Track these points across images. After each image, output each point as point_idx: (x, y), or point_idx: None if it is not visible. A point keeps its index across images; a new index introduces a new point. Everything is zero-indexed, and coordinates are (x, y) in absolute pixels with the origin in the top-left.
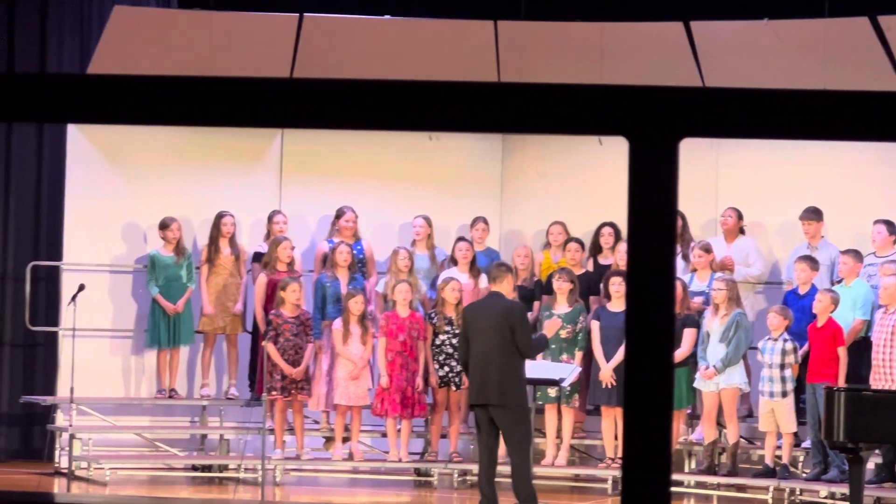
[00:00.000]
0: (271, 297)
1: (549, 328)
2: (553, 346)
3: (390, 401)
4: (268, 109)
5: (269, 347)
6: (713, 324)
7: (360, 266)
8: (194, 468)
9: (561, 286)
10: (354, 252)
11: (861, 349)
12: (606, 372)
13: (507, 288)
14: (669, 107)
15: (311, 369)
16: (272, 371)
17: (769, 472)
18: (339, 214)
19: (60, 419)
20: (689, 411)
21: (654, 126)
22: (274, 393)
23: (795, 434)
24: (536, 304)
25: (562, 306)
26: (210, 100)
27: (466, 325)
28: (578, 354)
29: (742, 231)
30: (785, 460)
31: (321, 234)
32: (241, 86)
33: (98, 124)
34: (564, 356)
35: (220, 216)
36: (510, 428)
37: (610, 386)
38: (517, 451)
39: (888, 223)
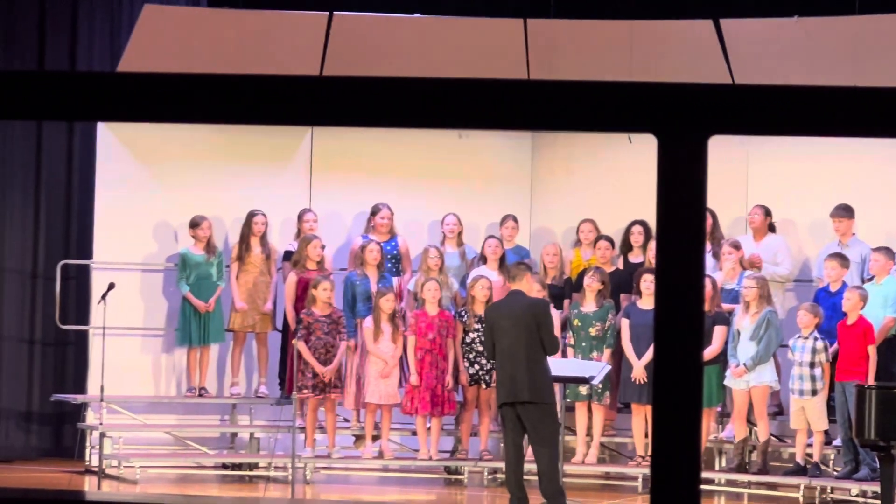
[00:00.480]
0: (301, 295)
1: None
2: (583, 345)
3: (420, 399)
4: (297, 107)
5: (300, 346)
6: (744, 321)
7: (394, 262)
8: (224, 466)
9: (591, 284)
10: (387, 249)
11: (892, 346)
12: (639, 368)
13: (527, 286)
14: (698, 104)
15: (343, 367)
16: (304, 370)
17: (800, 471)
18: (375, 211)
19: (91, 417)
20: (719, 409)
21: (684, 123)
22: (305, 391)
23: (826, 432)
24: (567, 301)
25: (590, 304)
26: (239, 98)
27: (490, 325)
28: (607, 352)
29: (772, 228)
30: (816, 458)
31: (357, 231)
32: (271, 84)
33: (128, 122)
34: (594, 354)
35: (251, 215)
36: (537, 425)
37: (641, 382)
38: (544, 449)
39: None
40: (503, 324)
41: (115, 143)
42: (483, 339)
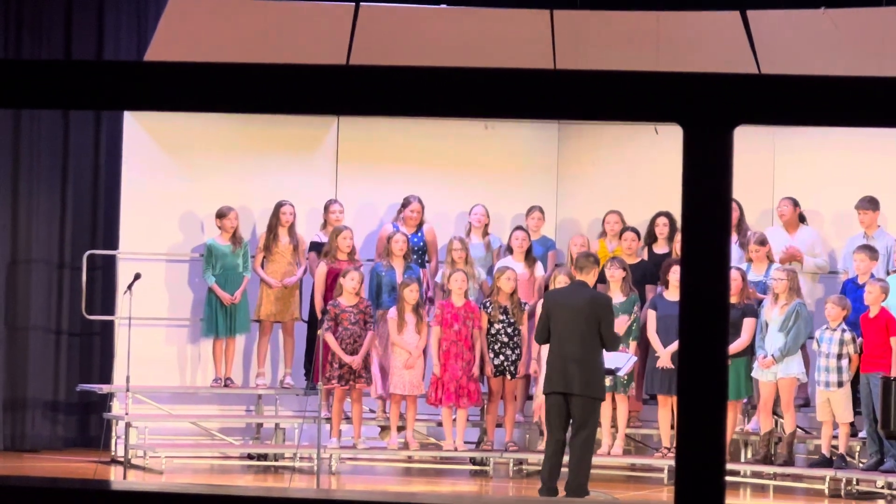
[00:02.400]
0: (331, 286)
1: (619, 326)
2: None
3: (444, 390)
4: (324, 97)
5: (327, 336)
6: (772, 313)
7: (420, 253)
8: (250, 457)
9: (613, 274)
10: (413, 241)
11: None
12: (665, 356)
13: (592, 279)
14: (724, 94)
15: (368, 357)
16: (331, 360)
17: (825, 462)
18: (406, 203)
19: (117, 408)
20: (745, 401)
21: (710, 113)
22: (332, 381)
23: (852, 424)
24: (608, 296)
25: (616, 295)
26: (266, 87)
27: (547, 310)
28: (633, 344)
29: (803, 219)
30: (841, 450)
31: (389, 219)
32: (298, 73)
33: (155, 112)
34: (622, 346)
35: (279, 205)
36: (584, 418)
37: (667, 368)
38: (583, 443)
39: None
40: (563, 314)
41: (141, 132)
42: (510, 329)
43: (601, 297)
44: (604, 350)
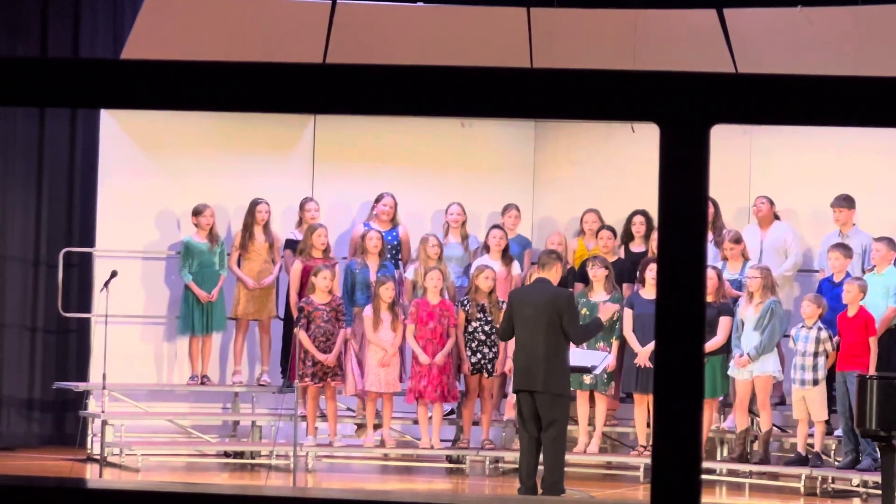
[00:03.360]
0: (305, 283)
1: (605, 312)
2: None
3: (422, 387)
4: (301, 95)
5: (300, 334)
6: (747, 311)
7: (394, 252)
8: (226, 454)
9: (596, 273)
10: (388, 239)
11: (894, 336)
12: (644, 354)
13: (555, 276)
14: (701, 93)
15: (342, 356)
16: (304, 358)
17: (801, 461)
18: (378, 199)
19: (93, 405)
20: (721, 399)
21: (686, 112)
22: (306, 380)
23: (828, 422)
24: (570, 291)
25: (599, 294)
26: (243, 85)
27: (511, 309)
28: (615, 343)
29: (777, 217)
30: (817, 448)
31: (359, 220)
32: (274, 71)
33: (131, 110)
34: (601, 344)
35: (255, 203)
36: (552, 416)
37: (645, 366)
38: (553, 441)
39: None
40: (525, 311)
41: (118, 130)
42: (487, 327)
43: (563, 292)
44: (572, 346)
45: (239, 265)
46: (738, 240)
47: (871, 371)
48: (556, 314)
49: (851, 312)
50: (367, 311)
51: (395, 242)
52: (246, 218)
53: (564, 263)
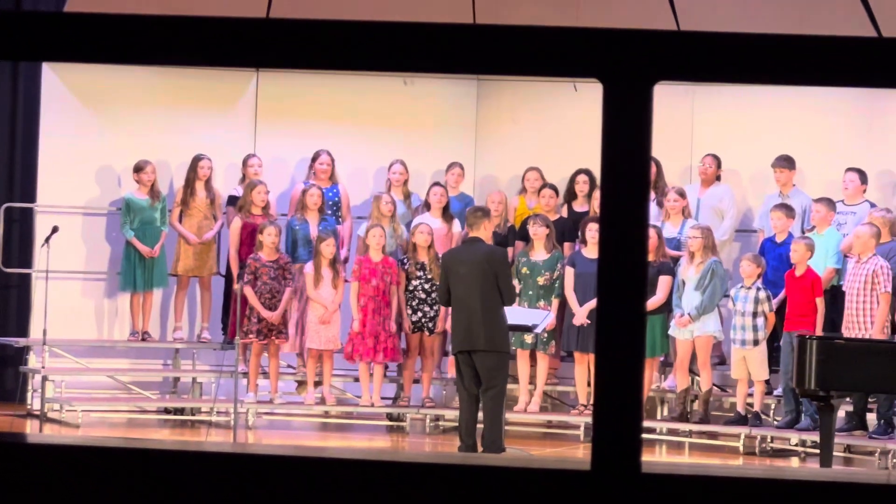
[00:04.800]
0: (245, 240)
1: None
2: (530, 293)
3: (363, 345)
4: (243, 49)
5: (246, 291)
6: (688, 272)
7: (334, 210)
8: (167, 411)
9: (537, 232)
10: (329, 196)
11: (834, 297)
12: (581, 313)
13: (485, 233)
14: (644, 50)
15: (286, 313)
16: (248, 315)
17: (741, 420)
18: (315, 157)
19: (33, 361)
20: (661, 359)
21: (629, 69)
22: (250, 336)
23: (767, 382)
24: (510, 249)
25: (539, 253)
26: (186, 39)
27: (446, 271)
28: (555, 302)
29: (718, 178)
30: (756, 408)
31: (301, 176)
32: (218, 25)
33: (73, 64)
34: (541, 303)
35: (197, 159)
36: (489, 374)
37: (584, 325)
38: (493, 400)
39: (860, 172)
40: (460, 271)
41: (60, 85)
42: (427, 285)
43: (496, 252)
44: (515, 305)
45: (180, 221)
46: (682, 194)
47: (818, 331)
48: (491, 272)
49: (799, 272)
50: (308, 267)
51: (336, 199)
52: (188, 174)
53: (504, 220)
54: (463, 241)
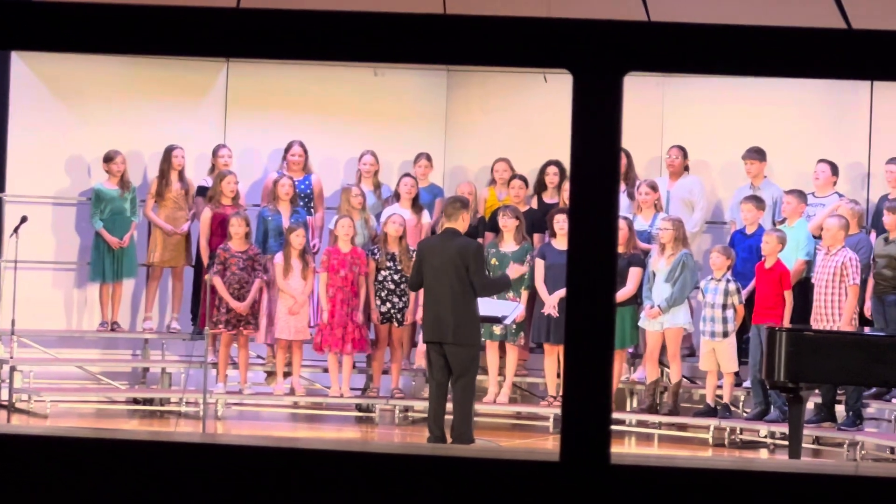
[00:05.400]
0: (215, 231)
1: (514, 272)
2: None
3: (331, 336)
4: (213, 39)
5: (215, 281)
6: (659, 263)
7: (306, 201)
8: (136, 401)
9: (507, 223)
10: (300, 188)
11: (804, 290)
12: (551, 302)
13: (462, 224)
14: (614, 40)
15: (256, 304)
16: (218, 305)
17: (710, 412)
18: (288, 148)
19: (1, 351)
20: (631, 350)
21: (599, 60)
22: (220, 327)
23: (737, 374)
24: (479, 240)
25: (509, 244)
26: (157, 28)
27: (420, 259)
28: (525, 293)
29: (687, 169)
30: (726, 400)
31: (272, 167)
32: (187, 15)
33: (43, 53)
34: (510, 294)
35: (170, 149)
36: (462, 366)
37: (554, 316)
38: (462, 391)
39: (831, 163)
40: (433, 261)
41: (29, 75)
42: (396, 276)
43: (471, 244)
44: (477, 297)
45: (154, 213)
46: (653, 187)
47: (786, 324)
48: (463, 264)
49: (769, 264)
50: (278, 258)
51: (308, 191)
52: (162, 164)
53: (474, 211)
54: (441, 232)
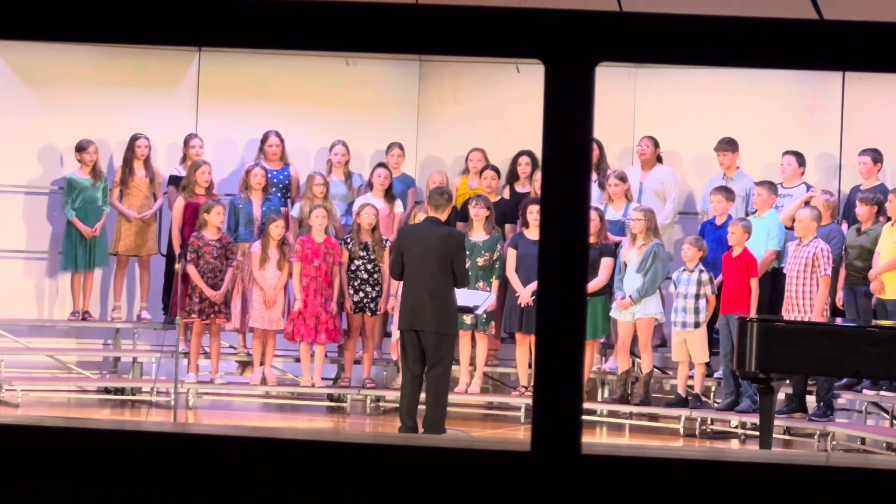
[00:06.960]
0: (188, 220)
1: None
2: (470, 274)
3: (304, 326)
4: (185, 27)
5: (189, 269)
6: (630, 254)
7: (284, 191)
8: (107, 391)
9: (478, 213)
10: (278, 178)
11: (774, 280)
12: (525, 294)
13: (445, 216)
14: (586, 31)
15: (228, 293)
16: (191, 294)
17: (681, 402)
18: (264, 139)
19: None
20: (603, 341)
21: (571, 50)
22: (193, 315)
23: (708, 364)
24: (462, 233)
25: (479, 234)
26: (128, 16)
27: (400, 248)
28: (495, 283)
29: (659, 160)
30: (697, 390)
31: (250, 157)
32: (159, 3)
33: (14, 41)
34: (481, 284)
35: (134, 138)
36: (438, 355)
37: (528, 305)
38: (437, 379)
39: (797, 154)
40: (415, 249)
41: (0, 64)
42: (370, 266)
43: (454, 234)
44: (456, 288)
45: (120, 201)
46: (623, 178)
47: (753, 313)
48: (446, 255)
49: (735, 253)
50: (255, 247)
51: (286, 182)
52: (125, 153)
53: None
54: (424, 220)
